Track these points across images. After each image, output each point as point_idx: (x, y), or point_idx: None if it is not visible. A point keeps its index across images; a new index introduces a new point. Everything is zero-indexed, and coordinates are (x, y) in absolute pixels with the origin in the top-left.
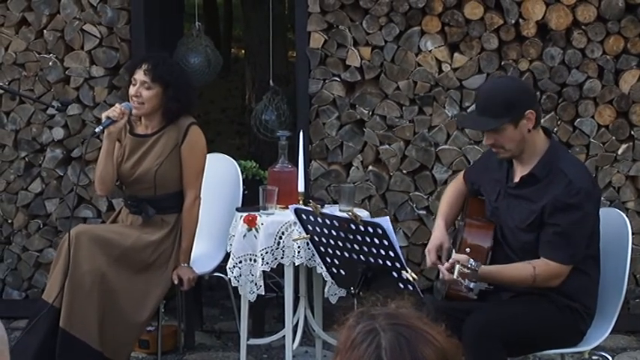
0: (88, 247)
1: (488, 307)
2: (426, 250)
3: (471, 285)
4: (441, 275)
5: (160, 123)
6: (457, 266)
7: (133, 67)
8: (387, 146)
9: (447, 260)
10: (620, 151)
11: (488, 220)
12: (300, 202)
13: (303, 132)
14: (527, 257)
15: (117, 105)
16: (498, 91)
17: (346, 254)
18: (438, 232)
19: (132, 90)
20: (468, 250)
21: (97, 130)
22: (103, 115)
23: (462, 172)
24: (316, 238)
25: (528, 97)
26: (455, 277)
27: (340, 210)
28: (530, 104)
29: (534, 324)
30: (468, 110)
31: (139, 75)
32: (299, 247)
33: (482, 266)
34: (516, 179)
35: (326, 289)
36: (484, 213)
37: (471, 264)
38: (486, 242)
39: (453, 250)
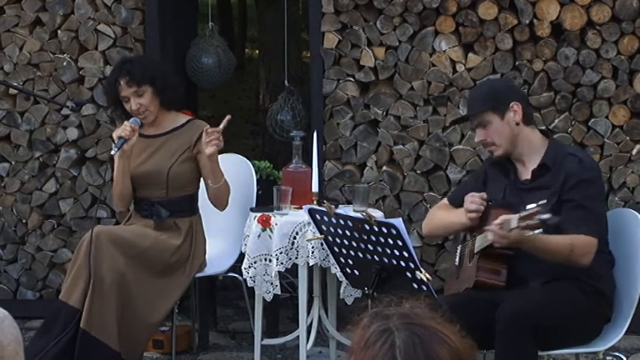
0: (108, 247)
1: (517, 296)
2: (468, 195)
3: (543, 217)
4: (490, 236)
5: (169, 121)
6: (513, 218)
7: (113, 93)
8: (401, 146)
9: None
10: (634, 152)
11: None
12: (314, 203)
13: (317, 132)
14: None
15: (126, 123)
16: (482, 85)
17: (360, 254)
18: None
19: (130, 107)
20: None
21: (112, 152)
22: (115, 136)
23: (443, 201)
24: (330, 239)
25: (513, 91)
26: (513, 226)
27: (354, 210)
28: (514, 96)
29: (565, 311)
30: None
31: (125, 91)
32: (313, 247)
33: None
34: (527, 175)
35: (341, 290)
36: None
37: (531, 205)
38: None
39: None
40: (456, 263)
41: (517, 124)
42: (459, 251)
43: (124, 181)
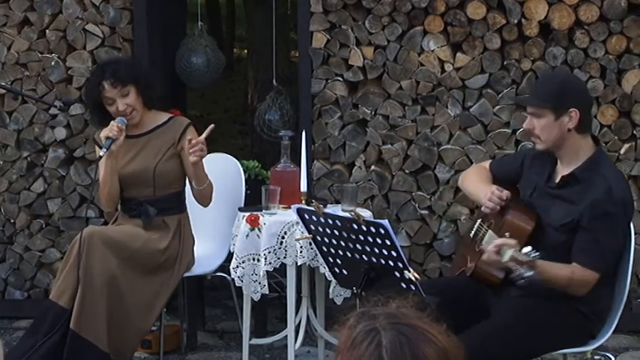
0: (100, 248)
1: (480, 328)
2: (490, 191)
3: (527, 274)
4: (485, 256)
5: (150, 120)
6: (509, 251)
7: (96, 97)
8: (390, 146)
9: (479, 222)
10: (622, 151)
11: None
12: (303, 202)
13: (306, 132)
14: (554, 258)
15: (113, 123)
16: (554, 78)
17: (348, 254)
18: (485, 188)
19: (117, 108)
20: (507, 234)
21: (101, 153)
22: (102, 136)
23: (486, 162)
24: (319, 238)
25: (580, 97)
26: (504, 260)
27: (343, 210)
28: (578, 104)
29: (538, 330)
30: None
31: (110, 93)
32: (301, 246)
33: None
34: (557, 179)
35: (331, 290)
36: (516, 198)
37: (528, 252)
38: (528, 226)
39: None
40: (471, 235)
41: (569, 130)
42: (476, 226)
43: (112, 182)
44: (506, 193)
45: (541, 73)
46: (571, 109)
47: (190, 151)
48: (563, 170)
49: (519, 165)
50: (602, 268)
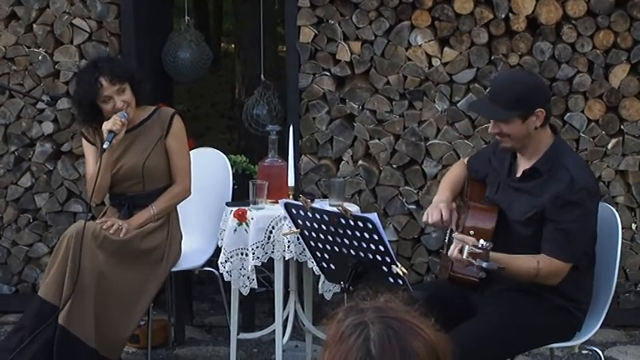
0: (89, 244)
1: (466, 326)
2: (427, 209)
3: (484, 264)
4: (449, 252)
5: (136, 116)
6: (466, 247)
7: (93, 94)
8: (377, 141)
9: (450, 229)
10: (609, 146)
11: (491, 202)
12: (290, 197)
13: (293, 126)
14: (524, 251)
15: (115, 117)
16: (515, 84)
17: (336, 249)
18: (443, 197)
19: (114, 105)
20: (471, 232)
21: (105, 147)
22: (105, 130)
23: (466, 158)
24: (306, 233)
25: (542, 96)
26: (464, 257)
27: (330, 204)
28: (542, 103)
29: (522, 331)
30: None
31: (108, 90)
32: (289, 241)
33: (492, 252)
34: (519, 173)
35: (320, 285)
36: (484, 197)
37: (482, 244)
38: (490, 224)
39: (455, 232)
40: (442, 251)
41: (535, 127)
42: (447, 237)
43: (104, 175)
44: (450, 219)
45: (496, 78)
46: (537, 110)
47: (110, 232)
48: (524, 164)
49: (487, 160)
50: (571, 257)
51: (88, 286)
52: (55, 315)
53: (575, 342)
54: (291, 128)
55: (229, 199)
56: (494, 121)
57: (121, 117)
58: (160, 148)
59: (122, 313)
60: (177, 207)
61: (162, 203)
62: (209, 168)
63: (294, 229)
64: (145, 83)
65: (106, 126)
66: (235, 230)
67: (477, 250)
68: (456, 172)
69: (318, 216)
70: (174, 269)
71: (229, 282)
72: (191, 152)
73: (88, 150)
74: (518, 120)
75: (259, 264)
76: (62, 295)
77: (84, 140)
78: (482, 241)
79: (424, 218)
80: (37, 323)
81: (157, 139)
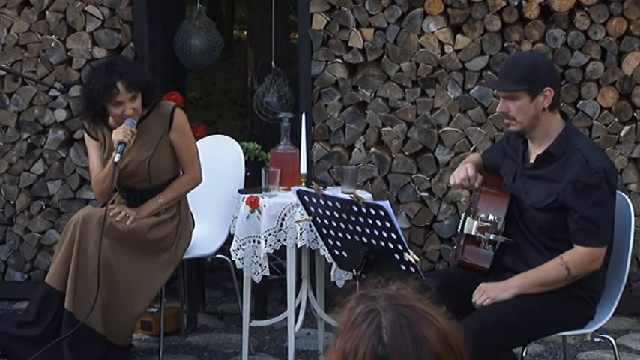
0: (94, 231)
1: (478, 314)
2: (453, 173)
3: (491, 236)
4: (473, 299)
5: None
6: (475, 223)
7: (108, 96)
8: (390, 128)
9: (465, 212)
10: (622, 133)
11: (503, 190)
12: (303, 184)
13: (306, 114)
14: (542, 237)
15: (127, 127)
16: (524, 60)
17: (348, 236)
18: (467, 161)
19: (123, 111)
20: (482, 216)
21: (116, 159)
22: (115, 140)
23: (480, 152)
24: (318, 220)
25: (551, 75)
26: (474, 232)
27: (342, 192)
28: (551, 82)
29: (536, 318)
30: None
31: (123, 96)
32: (301, 229)
33: (517, 275)
34: (532, 159)
35: (332, 273)
36: (500, 185)
37: (491, 219)
38: (501, 210)
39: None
40: (457, 232)
41: (543, 109)
42: (462, 218)
43: (111, 182)
44: (476, 177)
45: (508, 56)
46: (546, 88)
47: (117, 219)
48: (536, 150)
49: (502, 154)
50: (601, 242)
51: (93, 272)
52: (61, 301)
53: (588, 330)
54: (303, 116)
55: (242, 187)
56: (503, 97)
57: (131, 126)
58: (164, 143)
59: (128, 299)
60: (189, 194)
61: (170, 193)
62: (221, 155)
63: (306, 216)
64: (157, 89)
65: (117, 137)
66: (248, 217)
67: (485, 224)
68: (474, 155)
69: (330, 203)
70: (186, 256)
71: (241, 269)
72: (203, 140)
73: (91, 144)
74: (526, 96)
75: (271, 251)
76: (66, 281)
77: (86, 135)
78: (490, 216)
79: (451, 181)
80: (42, 308)
81: (160, 134)
